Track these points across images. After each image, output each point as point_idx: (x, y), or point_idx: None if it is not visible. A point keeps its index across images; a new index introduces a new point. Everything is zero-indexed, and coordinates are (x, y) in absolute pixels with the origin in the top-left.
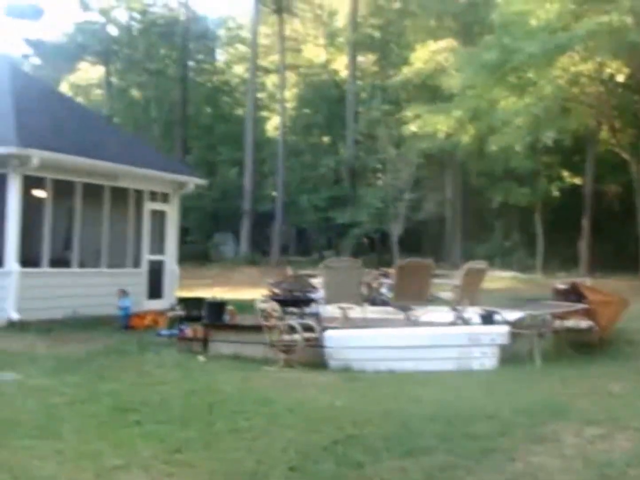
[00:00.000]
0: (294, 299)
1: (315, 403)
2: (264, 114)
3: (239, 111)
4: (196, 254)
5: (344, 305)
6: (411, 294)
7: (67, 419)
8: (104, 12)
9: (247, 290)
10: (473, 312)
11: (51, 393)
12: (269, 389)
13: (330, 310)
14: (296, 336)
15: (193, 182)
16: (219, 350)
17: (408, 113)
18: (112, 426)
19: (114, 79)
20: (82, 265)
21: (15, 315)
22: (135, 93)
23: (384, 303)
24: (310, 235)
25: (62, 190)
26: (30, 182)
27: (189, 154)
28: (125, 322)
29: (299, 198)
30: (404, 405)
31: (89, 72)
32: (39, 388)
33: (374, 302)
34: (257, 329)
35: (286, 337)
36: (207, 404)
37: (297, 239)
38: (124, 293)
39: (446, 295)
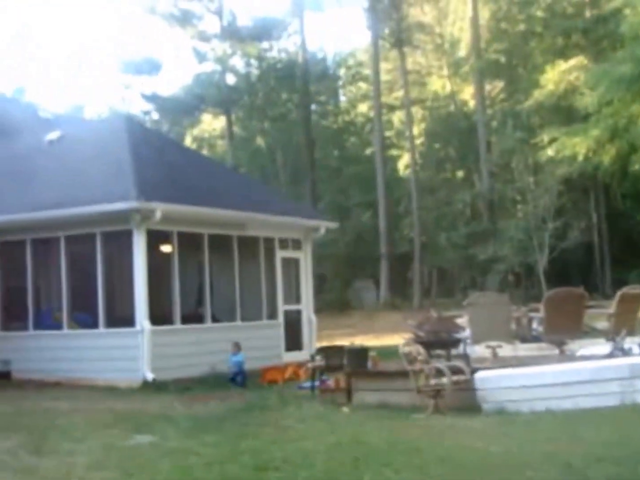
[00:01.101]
0: (439, 341)
1: (469, 450)
2: (393, 152)
3: (367, 151)
4: (335, 302)
5: (492, 343)
6: (563, 327)
7: None
8: (220, 61)
9: (390, 336)
10: (632, 342)
11: (188, 454)
12: (418, 438)
13: (478, 350)
14: (444, 380)
15: (324, 226)
16: (363, 400)
17: (544, 137)
18: None
19: (236, 129)
20: (215, 320)
21: (149, 375)
22: (259, 140)
23: (536, 339)
24: (452, 275)
25: (189, 242)
26: (155, 237)
27: (320, 199)
28: (242, 380)
29: (437, 237)
30: (565, 446)
31: (211, 124)
32: (176, 450)
33: (524, 339)
34: (402, 374)
35: (433, 381)
36: (353, 457)
37: (439, 280)
38: (237, 347)
39: (601, 325)
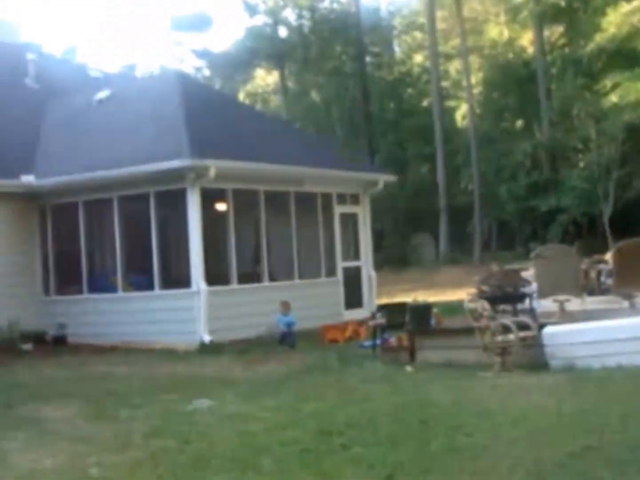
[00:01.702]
0: (505, 296)
1: (541, 411)
2: (451, 103)
3: (424, 102)
4: (394, 258)
5: (560, 297)
6: (634, 279)
7: (266, 448)
8: (272, 13)
9: (451, 291)
10: None
11: (249, 419)
12: (487, 398)
13: (545, 305)
14: (511, 336)
15: (382, 179)
16: (427, 359)
17: (606, 83)
18: (316, 453)
19: (290, 83)
20: (272, 279)
21: (206, 337)
22: (313, 95)
23: (604, 292)
24: (512, 228)
25: (245, 200)
26: (209, 195)
27: (376, 153)
28: (292, 341)
29: (497, 189)
30: None
31: (265, 79)
32: (235, 415)
33: (592, 292)
34: (467, 331)
35: (500, 338)
36: (420, 420)
37: (498, 233)
38: (286, 307)
39: None
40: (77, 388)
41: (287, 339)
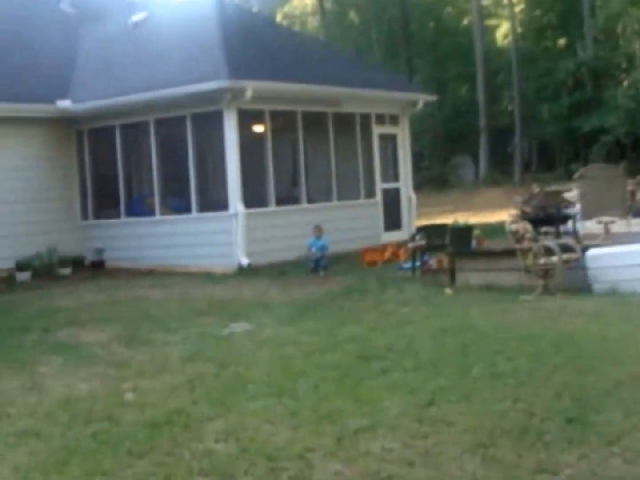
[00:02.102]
0: (548, 217)
1: (585, 335)
2: (492, 21)
3: (464, 22)
4: (433, 179)
5: (604, 219)
6: None
7: (303, 373)
8: None
9: (491, 213)
10: None
11: (286, 343)
12: (529, 321)
13: (589, 227)
14: (554, 258)
15: (422, 99)
16: (467, 281)
17: None
18: (355, 378)
19: (328, 4)
20: (311, 200)
21: (244, 260)
22: (352, 15)
23: None
24: (553, 149)
25: (282, 122)
26: (247, 117)
27: (415, 74)
28: (325, 266)
29: (538, 108)
30: None
31: (303, 0)
32: (272, 338)
33: (638, 214)
34: (508, 254)
35: (542, 260)
36: (461, 344)
37: (539, 154)
38: (320, 230)
39: None
40: (113, 312)
41: (320, 263)
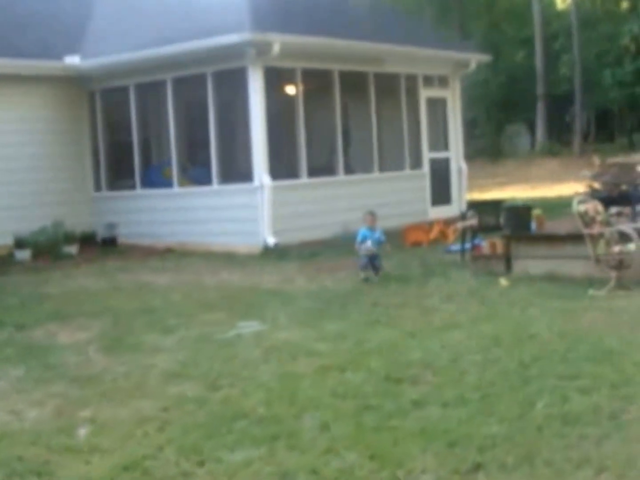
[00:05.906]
0: (622, 196)
1: None
2: None
3: None
4: (486, 149)
5: None
6: None
7: (311, 403)
8: None
9: (550, 187)
10: None
11: (299, 354)
12: (604, 328)
13: None
14: (630, 246)
15: (475, 59)
16: (525, 270)
17: None
18: (377, 414)
19: None
20: (349, 172)
21: (271, 239)
22: None
23: None
24: (613, 118)
25: (316, 82)
26: (275, 75)
27: (468, 36)
28: (379, 266)
29: (599, 75)
30: None
31: None
32: (285, 345)
33: None
34: (575, 238)
35: (617, 248)
36: (518, 362)
37: (598, 124)
38: (373, 217)
39: None
40: (108, 303)
41: (375, 263)
